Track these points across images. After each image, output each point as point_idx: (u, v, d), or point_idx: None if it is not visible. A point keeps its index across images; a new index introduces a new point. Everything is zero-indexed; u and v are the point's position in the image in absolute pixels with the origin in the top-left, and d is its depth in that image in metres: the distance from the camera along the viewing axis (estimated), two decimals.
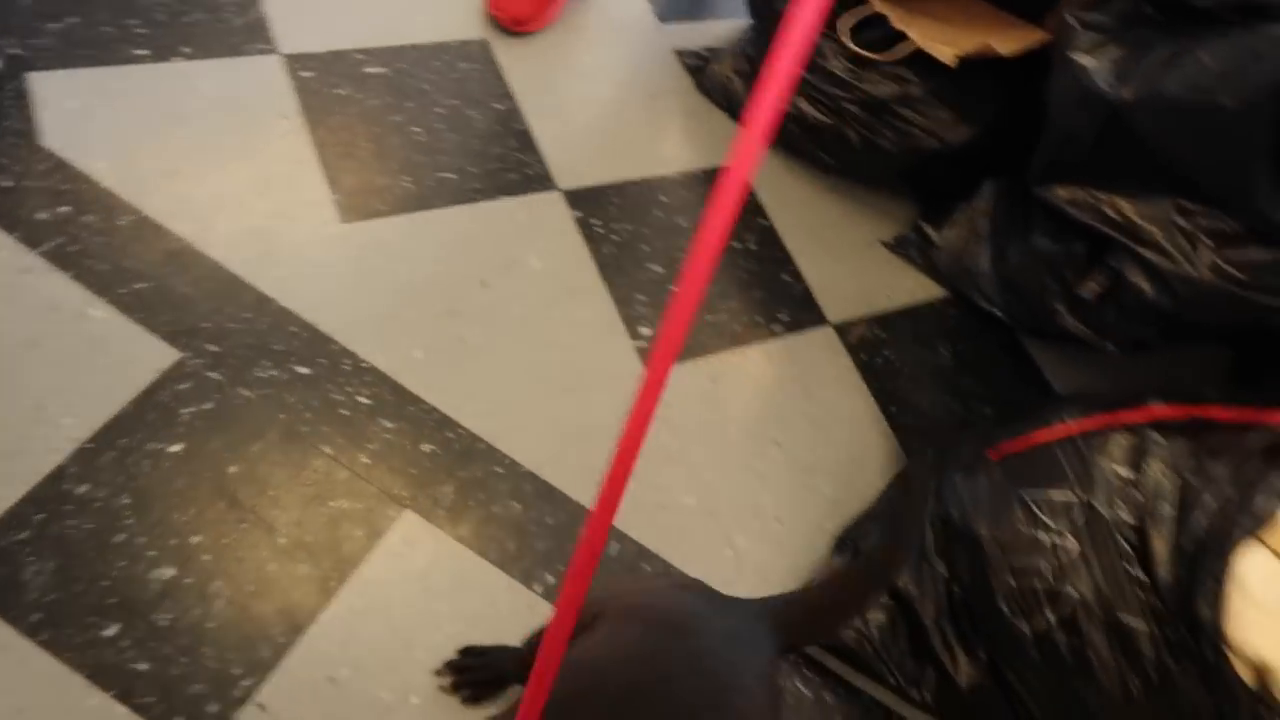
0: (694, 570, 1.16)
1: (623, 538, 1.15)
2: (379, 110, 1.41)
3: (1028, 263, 1.42)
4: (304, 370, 1.14)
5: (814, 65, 1.45)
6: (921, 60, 1.40)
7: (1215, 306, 1.23)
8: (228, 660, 0.95)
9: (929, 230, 1.57)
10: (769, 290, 1.46)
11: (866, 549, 1.18)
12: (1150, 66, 1.13)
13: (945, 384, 1.45)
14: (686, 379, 1.31)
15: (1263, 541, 0.98)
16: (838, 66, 1.43)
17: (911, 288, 1.55)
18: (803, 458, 1.30)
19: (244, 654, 0.96)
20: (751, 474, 1.26)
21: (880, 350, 1.45)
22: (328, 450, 1.10)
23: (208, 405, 1.08)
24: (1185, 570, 0.95)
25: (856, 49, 1.42)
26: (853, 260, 1.55)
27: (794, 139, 1.56)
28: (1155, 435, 1.05)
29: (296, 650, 0.97)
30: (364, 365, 1.17)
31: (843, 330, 1.45)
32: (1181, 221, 1.22)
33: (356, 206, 1.30)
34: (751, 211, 1.54)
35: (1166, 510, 0.99)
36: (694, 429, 1.27)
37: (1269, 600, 0.93)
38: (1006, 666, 1.08)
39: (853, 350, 1.44)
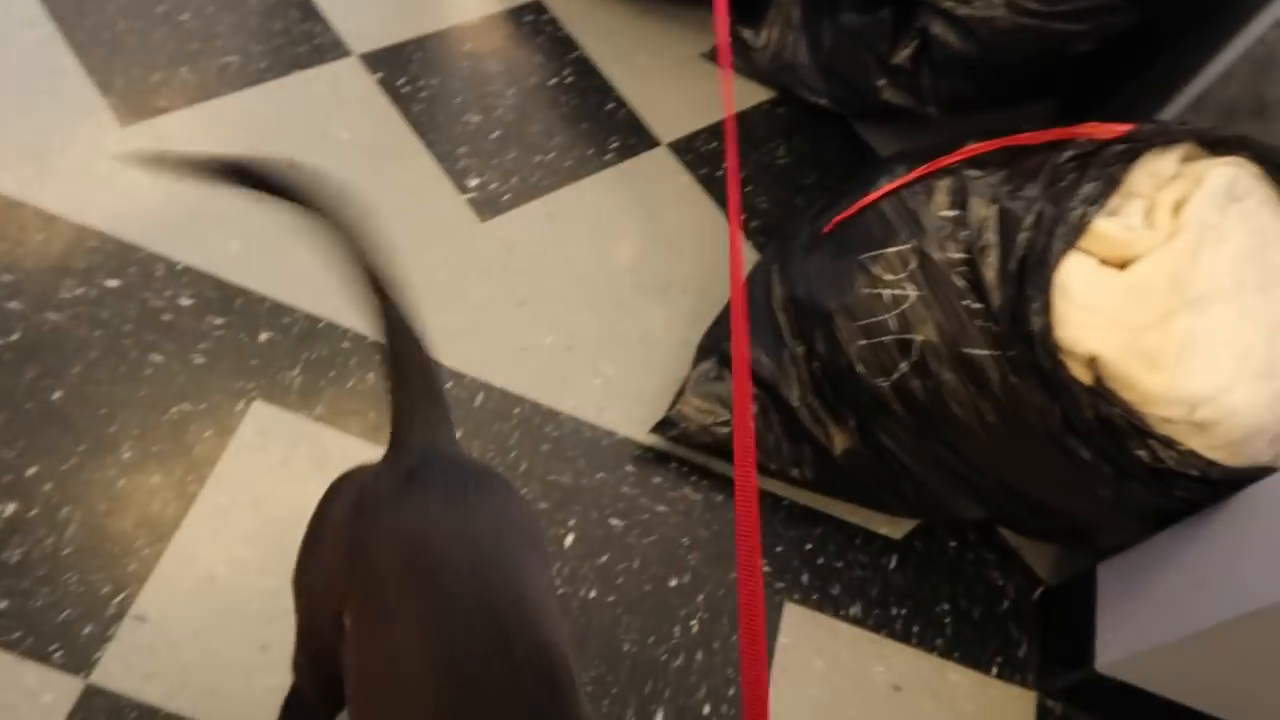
0: (566, 405, 1.16)
1: (487, 387, 1.14)
2: (138, 3, 1.31)
3: (843, 43, 1.41)
4: (113, 283, 1.08)
5: None
6: None
7: (1019, 43, 1.24)
8: (94, 582, 0.91)
9: (745, 34, 1.55)
10: (595, 121, 1.43)
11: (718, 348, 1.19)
12: None
13: (785, 182, 1.46)
14: (524, 221, 1.29)
15: (1080, 249, 1.02)
16: None
17: (738, 94, 1.53)
18: (656, 277, 1.30)
19: (110, 572, 0.92)
20: (608, 303, 1.26)
21: (717, 161, 1.44)
22: (157, 358, 1.05)
23: (14, 336, 1.02)
24: (1014, 290, 0.99)
25: None
26: (674, 78, 1.52)
27: None
28: (972, 171, 1.08)
29: (166, 558, 0.94)
30: (179, 267, 1.11)
31: (676, 148, 1.44)
32: None
33: (134, 107, 1.21)
34: (562, 45, 1.49)
35: (991, 239, 1.02)
36: (542, 270, 1.25)
37: (1091, 300, 0.98)
38: (875, 427, 1.11)
39: (690, 166, 1.42)
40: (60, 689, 0.86)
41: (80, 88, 1.20)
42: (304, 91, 1.30)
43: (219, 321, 1.09)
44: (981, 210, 1.04)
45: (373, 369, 1.10)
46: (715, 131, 1.47)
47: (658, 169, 1.41)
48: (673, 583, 1.08)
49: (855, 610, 1.13)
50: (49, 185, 1.12)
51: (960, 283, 1.02)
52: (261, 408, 1.05)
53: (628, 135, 1.43)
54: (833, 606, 1.12)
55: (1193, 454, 0.96)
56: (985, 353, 1.01)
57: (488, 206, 1.28)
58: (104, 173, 1.15)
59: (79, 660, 0.87)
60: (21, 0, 1.25)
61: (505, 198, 1.29)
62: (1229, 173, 1.07)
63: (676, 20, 1.57)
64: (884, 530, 1.20)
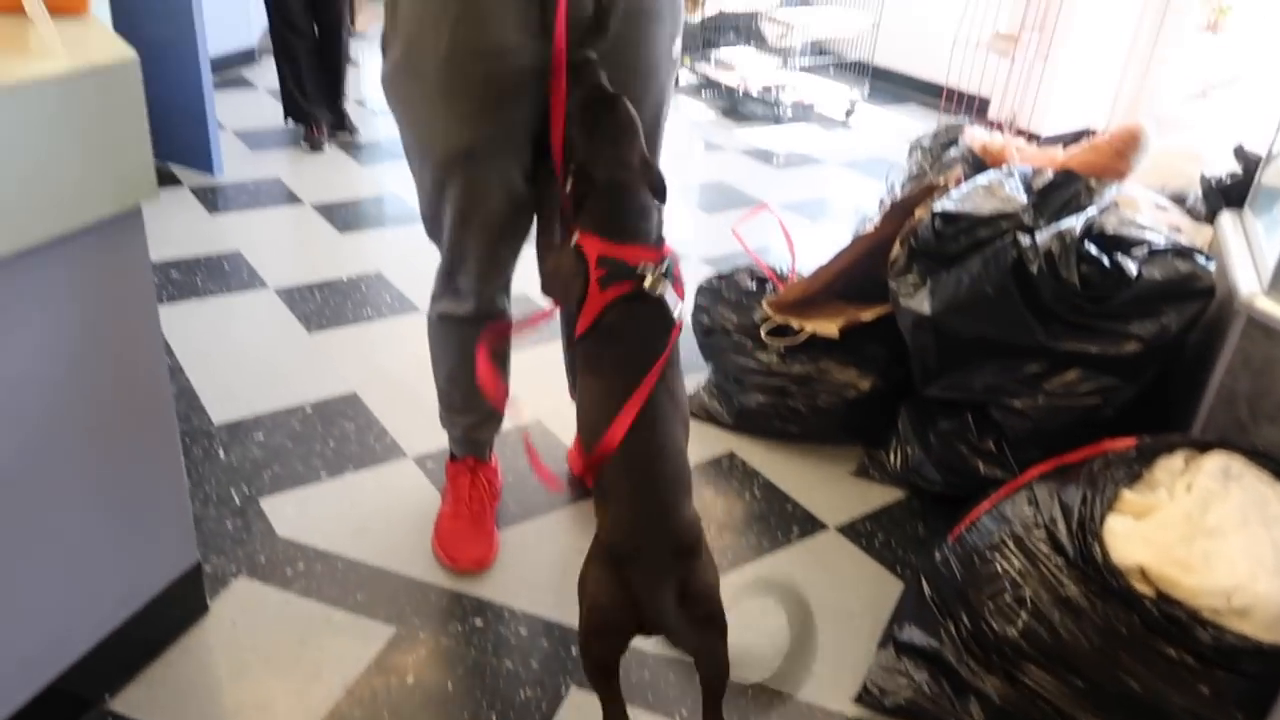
0: None
1: None
2: None
3: (944, 442, 2.02)
4: None
5: (753, 366, 2.17)
6: (820, 342, 2.13)
7: (1058, 417, 1.83)
8: None
9: (880, 455, 2.19)
10: (780, 516, 2.03)
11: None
12: (940, 290, 1.87)
13: (922, 545, 1.98)
14: (729, 588, 1.83)
15: (1118, 511, 1.49)
16: (768, 360, 2.16)
17: (884, 494, 2.13)
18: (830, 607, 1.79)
19: None
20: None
21: (875, 533, 1.99)
22: None
23: None
24: (1080, 541, 1.46)
25: (772, 342, 2.16)
26: (833, 489, 2.14)
27: (762, 423, 2.23)
28: (1036, 483, 1.60)
29: None
30: None
31: (842, 529, 2.00)
32: (1014, 375, 1.87)
33: None
34: (750, 475, 2.16)
35: (1058, 515, 1.51)
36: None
37: (1130, 533, 1.42)
38: (1017, 670, 1.50)
39: (852, 539, 1.98)
40: None
41: None
42: None
43: None
44: (1047, 500, 1.55)
45: None
46: (871, 517, 2.04)
47: (827, 545, 1.97)
48: None
49: None
50: None
51: (1045, 548, 1.50)
52: None
53: (802, 524, 2.01)
54: None
55: (1243, 636, 1.32)
56: (1074, 589, 1.44)
57: None
58: None
59: None
60: None
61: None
62: (1223, 460, 1.57)
63: (827, 451, 2.24)
64: None
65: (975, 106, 4.81)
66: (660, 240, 1.37)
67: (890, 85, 5.51)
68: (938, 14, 4.98)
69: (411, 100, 1.40)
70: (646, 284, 1.29)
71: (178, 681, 1.52)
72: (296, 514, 1.91)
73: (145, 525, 1.50)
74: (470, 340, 1.57)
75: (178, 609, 1.60)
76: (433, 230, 1.57)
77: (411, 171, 1.52)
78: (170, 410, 1.48)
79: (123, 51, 1.22)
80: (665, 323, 1.30)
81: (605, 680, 1.26)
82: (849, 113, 5.01)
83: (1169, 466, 1.58)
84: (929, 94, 5.20)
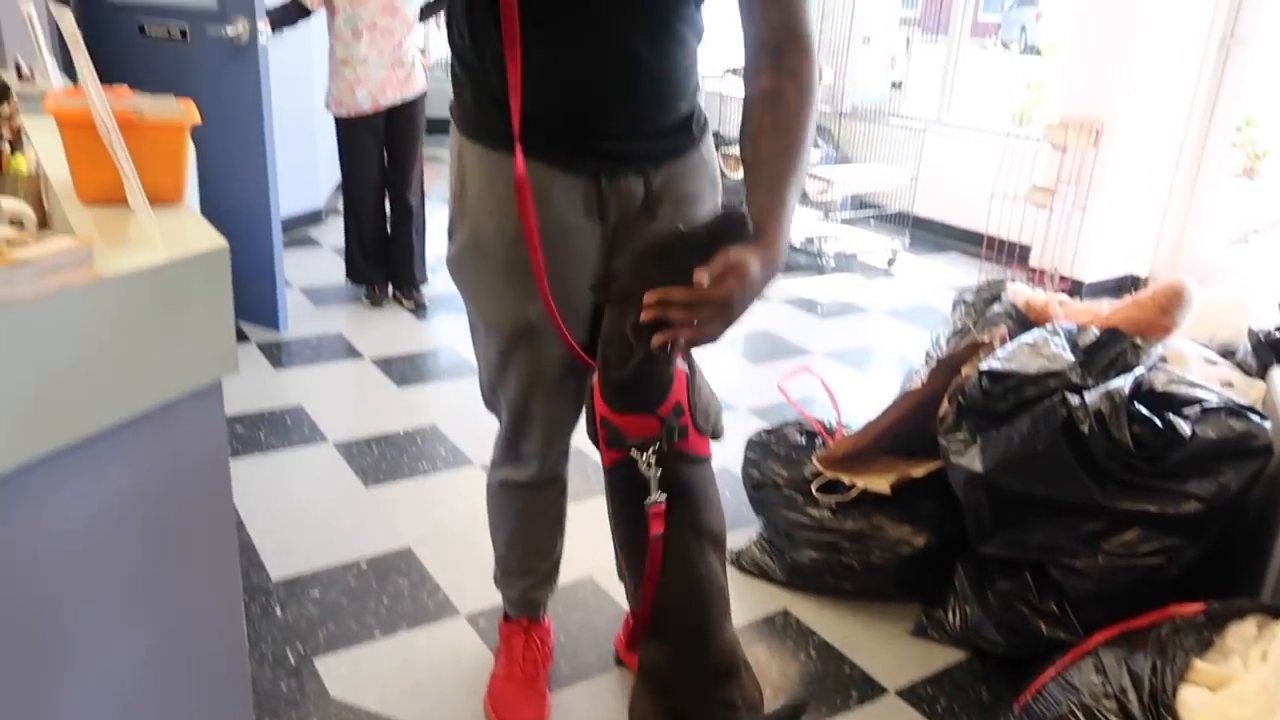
0: None
1: None
2: None
3: (1004, 603, 1.98)
4: None
5: (805, 521, 2.17)
6: (872, 497, 2.13)
7: (1120, 576, 1.80)
8: None
9: (938, 614, 2.14)
10: (836, 679, 1.98)
11: None
12: (991, 447, 1.87)
13: (991, 713, 1.91)
14: None
15: (1191, 682, 1.44)
16: (820, 516, 2.15)
17: (944, 655, 2.07)
18: None
19: None
20: None
21: (938, 698, 1.93)
22: None
23: None
24: (1154, 715, 1.41)
25: (823, 498, 2.16)
26: (891, 649, 2.09)
27: (817, 581, 2.21)
28: (1103, 650, 1.56)
29: None
30: None
31: (902, 694, 1.95)
32: (1072, 533, 1.85)
33: None
34: (804, 634, 2.12)
35: (1127, 684, 1.47)
36: None
37: (1206, 705, 1.37)
38: None
39: (914, 704, 1.92)
40: None
41: None
42: None
43: None
44: (1115, 669, 1.51)
45: None
46: (933, 680, 1.99)
47: (888, 711, 1.91)
48: None
49: None
50: None
51: (1113, 718, 1.45)
52: None
53: (862, 688, 1.96)
54: None
55: None
56: None
57: None
58: None
59: None
60: None
61: None
62: None
63: (883, 609, 2.20)
64: None
65: (1016, 254, 4.90)
66: (660, 400, 1.38)
67: (931, 234, 5.64)
68: (974, 168, 5.14)
69: (478, 280, 1.48)
70: (639, 465, 1.35)
71: None
72: (350, 673, 1.92)
73: (203, 689, 1.51)
74: (531, 505, 1.60)
75: None
76: (491, 401, 1.64)
77: (475, 345, 1.60)
78: (236, 573, 1.52)
79: (215, 240, 1.32)
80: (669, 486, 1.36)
81: None
82: (891, 262, 5.12)
83: (1241, 634, 1.54)
84: (970, 242, 5.31)
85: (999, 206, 4.82)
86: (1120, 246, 4.74)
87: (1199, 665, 1.46)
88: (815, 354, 3.86)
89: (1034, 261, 4.83)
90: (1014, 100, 8.91)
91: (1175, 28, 4.47)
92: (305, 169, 5.05)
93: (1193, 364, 2.21)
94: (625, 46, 1.31)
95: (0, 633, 1.18)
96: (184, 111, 1.37)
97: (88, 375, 1.17)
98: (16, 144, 1.62)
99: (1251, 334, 2.25)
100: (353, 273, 4.10)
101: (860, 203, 5.62)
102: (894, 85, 5.16)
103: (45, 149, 1.59)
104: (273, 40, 3.41)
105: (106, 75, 1.38)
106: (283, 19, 3.60)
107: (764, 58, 1.26)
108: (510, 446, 1.64)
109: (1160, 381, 1.90)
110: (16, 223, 1.15)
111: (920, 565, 2.14)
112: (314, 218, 5.31)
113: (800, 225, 5.21)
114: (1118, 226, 4.70)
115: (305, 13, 3.63)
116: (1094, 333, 2.03)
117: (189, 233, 1.36)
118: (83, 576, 1.27)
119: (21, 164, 1.49)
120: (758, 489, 2.39)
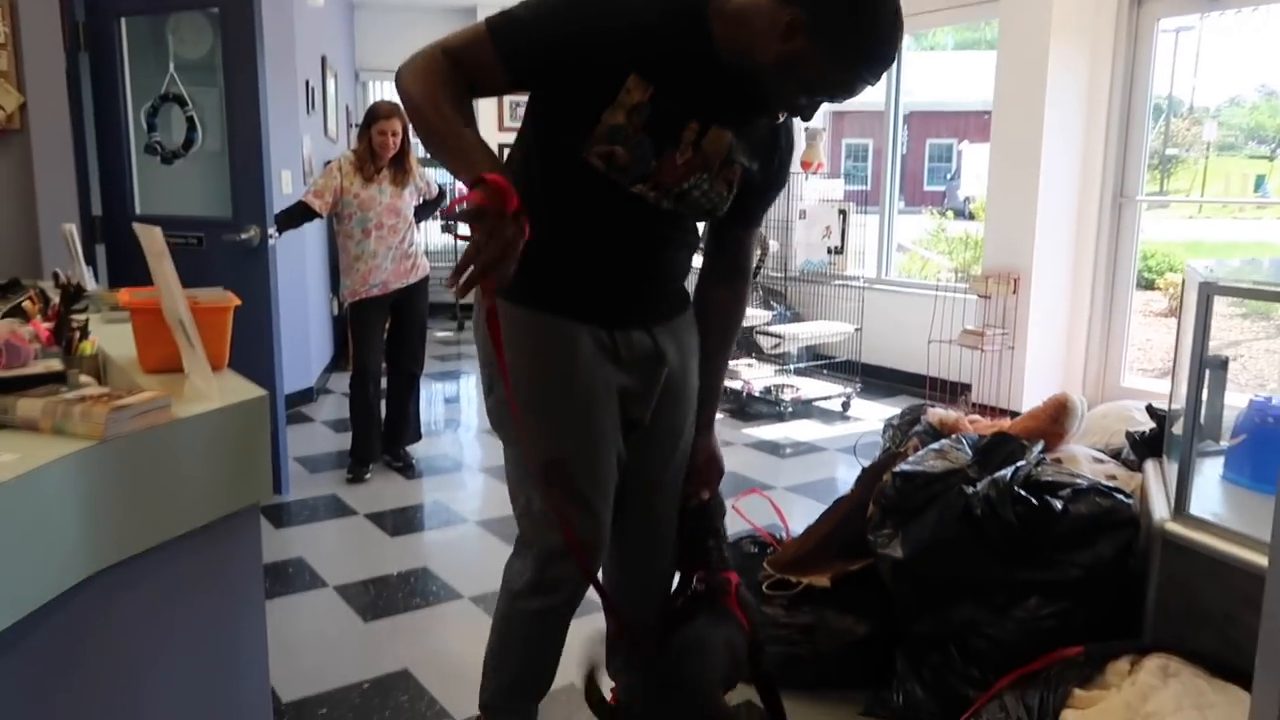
0: None
1: None
2: None
3: (936, 678, 2.25)
4: None
5: (758, 620, 2.44)
6: (819, 594, 2.42)
7: (1028, 638, 2.09)
8: None
9: (882, 693, 2.39)
10: None
11: None
12: (909, 538, 2.20)
13: None
14: None
15: (1072, 708, 1.72)
16: (773, 613, 2.44)
17: None
18: None
19: None
20: None
21: None
22: None
23: None
24: None
25: (774, 594, 2.45)
26: None
27: (775, 673, 2.46)
28: (1005, 692, 1.84)
29: None
30: None
31: None
32: (985, 606, 2.15)
33: None
34: None
35: (1024, 714, 1.74)
36: None
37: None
38: None
39: None
40: None
41: None
42: None
43: None
44: (1014, 705, 1.79)
45: None
46: None
47: None
48: None
49: None
50: None
51: None
52: None
53: None
54: None
55: None
56: None
57: None
58: None
59: None
60: None
61: None
62: (1162, 660, 1.82)
63: (837, 696, 2.44)
64: None
65: (959, 391, 5.33)
66: None
67: (881, 380, 6.09)
68: (912, 318, 5.65)
69: (513, 424, 1.72)
70: None
71: None
72: None
73: None
74: (566, 623, 1.85)
75: None
76: (530, 538, 1.80)
77: (512, 489, 1.83)
78: (266, 690, 1.78)
79: (257, 391, 1.69)
80: None
81: None
82: (846, 405, 5.54)
83: (1117, 669, 1.83)
84: (916, 385, 5.75)
85: (937, 351, 5.29)
86: (1051, 380, 5.18)
87: (1079, 693, 1.75)
88: (778, 488, 4.18)
89: (974, 398, 5.26)
90: (955, 257, 9.72)
91: (1073, 189, 5.10)
92: (300, 351, 5.48)
93: (1083, 463, 2.57)
94: (666, 255, 1.75)
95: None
96: (229, 297, 1.78)
97: (163, 494, 1.51)
98: (84, 334, 1.99)
99: (1129, 435, 2.63)
100: (357, 451, 4.34)
101: (814, 354, 6.09)
102: (831, 251, 5.73)
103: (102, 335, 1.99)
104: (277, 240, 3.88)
105: (143, 278, 1.79)
106: (287, 222, 4.06)
107: (722, 270, 1.88)
108: (542, 573, 1.79)
109: (1047, 474, 2.26)
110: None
111: (865, 652, 2.41)
112: (307, 395, 5.69)
113: (758, 377, 5.65)
114: (1046, 362, 5.16)
115: (312, 215, 4.12)
116: (987, 438, 2.40)
117: (232, 386, 1.73)
118: (145, 668, 1.54)
119: (87, 348, 1.85)
120: None
